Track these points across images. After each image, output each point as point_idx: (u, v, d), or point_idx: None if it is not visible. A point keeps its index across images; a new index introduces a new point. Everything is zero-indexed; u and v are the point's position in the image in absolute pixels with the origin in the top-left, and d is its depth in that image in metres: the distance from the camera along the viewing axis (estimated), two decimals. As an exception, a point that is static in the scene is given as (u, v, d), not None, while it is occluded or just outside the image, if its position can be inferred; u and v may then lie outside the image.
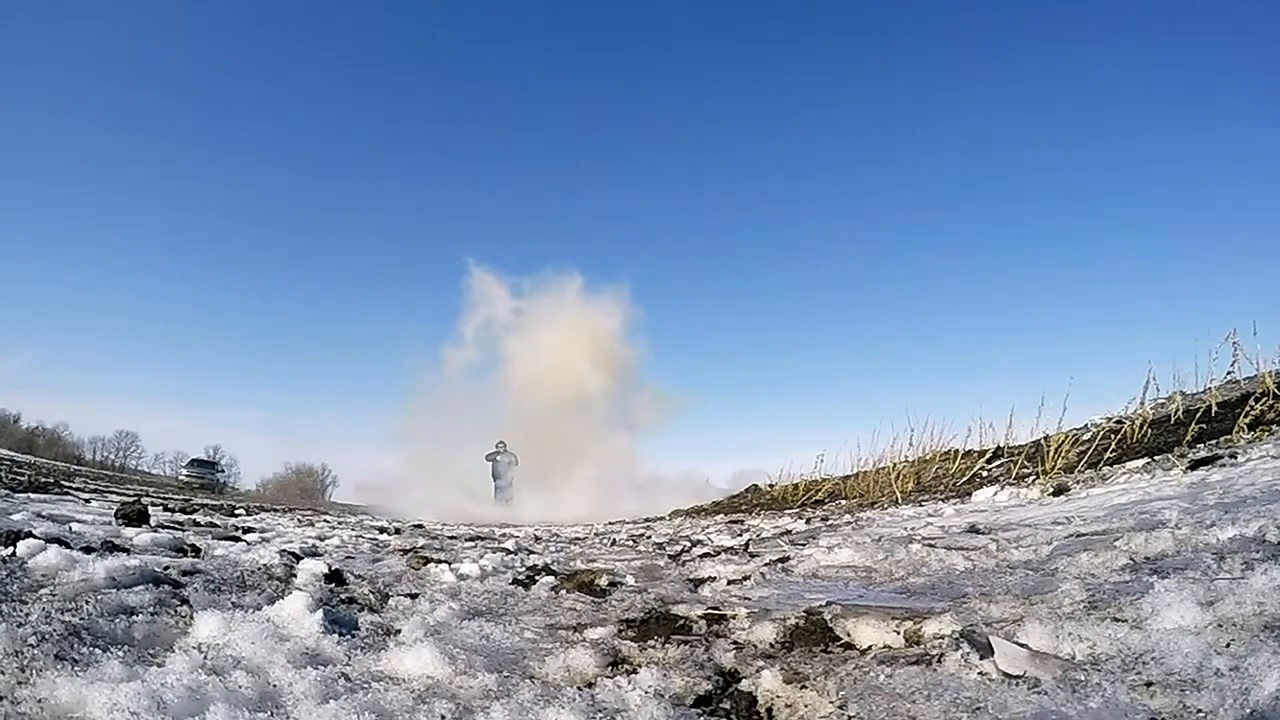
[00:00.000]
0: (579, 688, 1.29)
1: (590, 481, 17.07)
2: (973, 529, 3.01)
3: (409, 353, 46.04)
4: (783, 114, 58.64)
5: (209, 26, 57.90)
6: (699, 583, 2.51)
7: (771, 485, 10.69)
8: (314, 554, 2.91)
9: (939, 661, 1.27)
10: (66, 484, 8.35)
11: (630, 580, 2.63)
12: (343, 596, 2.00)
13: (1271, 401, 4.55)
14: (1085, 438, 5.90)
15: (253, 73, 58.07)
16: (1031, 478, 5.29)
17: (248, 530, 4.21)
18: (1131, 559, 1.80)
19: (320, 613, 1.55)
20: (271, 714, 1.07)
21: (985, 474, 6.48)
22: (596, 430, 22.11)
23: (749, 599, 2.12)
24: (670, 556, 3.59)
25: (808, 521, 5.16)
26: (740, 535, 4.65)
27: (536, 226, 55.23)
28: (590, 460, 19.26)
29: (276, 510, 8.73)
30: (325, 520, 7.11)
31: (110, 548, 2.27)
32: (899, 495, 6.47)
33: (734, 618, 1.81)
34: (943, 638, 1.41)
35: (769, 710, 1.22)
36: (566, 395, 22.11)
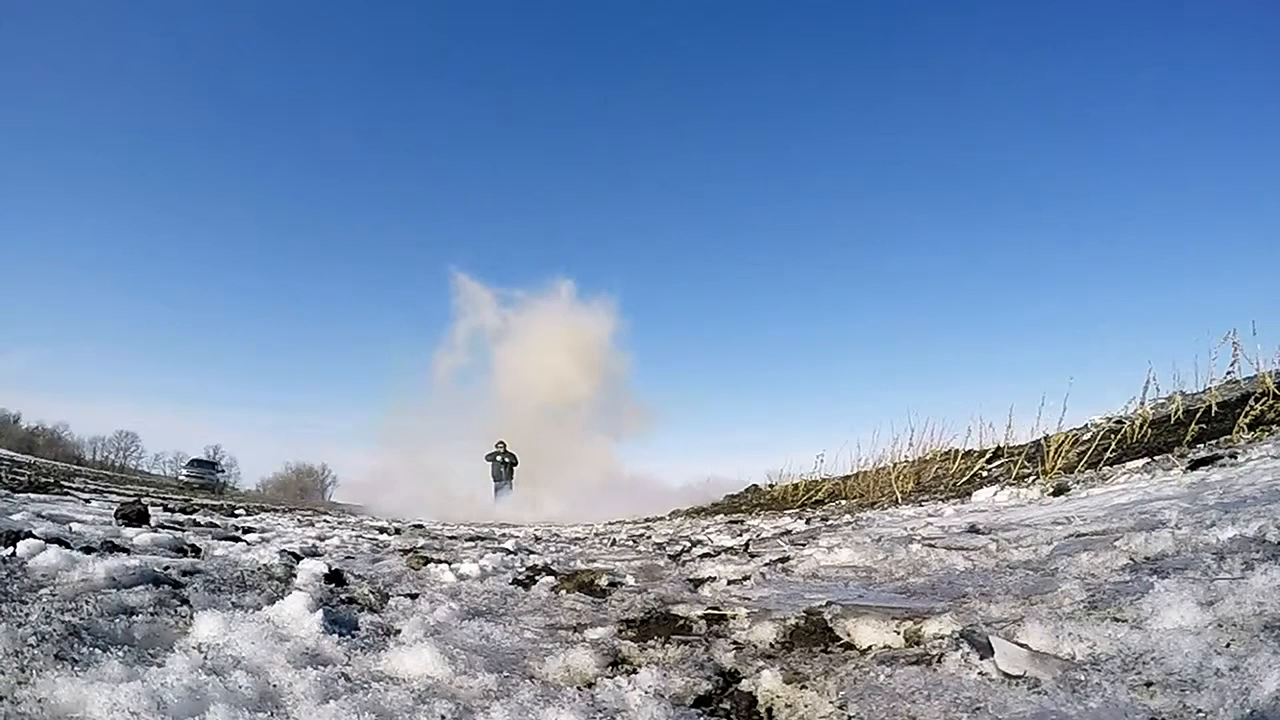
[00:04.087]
0: (579, 688, 1.29)
1: (573, 484, 17.22)
2: (973, 529, 3.01)
3: (405, 354, 46.29)
4: (779, 114, 58.69)
5: (207, 27, 57.93)
6: (699, 583, 2.51)
7: (771, 485, 10.70)
8: (314, 554, 2.91)
9: (939, 661, 1.26)
10: (66, 484, 8.35)
11: (630, 580, 2.63)
12: (343, 596, 2.00)
13: (1271, 401, 4.55)
14: (1085, 438, 5.90)
15: (250, 73, 58.11)
16: (1031, 478, 5.29)
17: (248, 530, 4.21)
18: (1131, 559, 1.80)
19: (320, 613, 1.55)
20: (271, 714, 1.07)
21: (985, 474, 6.48)
22: (582, 435, 22.36)
23: (749, 599, 2.12)
24: (670, 556, 3.59)
25: (808, 521, 5.15)
26: (740, 535, 4.65)
27: (530, 231, 55.50)
28: (574, 463, 19.47)
29: (276, 510, 8.73)
30: (325, 520, 7.11)
31: (110, 548, 2.27)
32: (899, 495, 6.47)
33: (734, 618, 1.81)
34: (943, 638, 1.41)
35: (769, 710, 1.22)
36: (554, 400, 22.35)
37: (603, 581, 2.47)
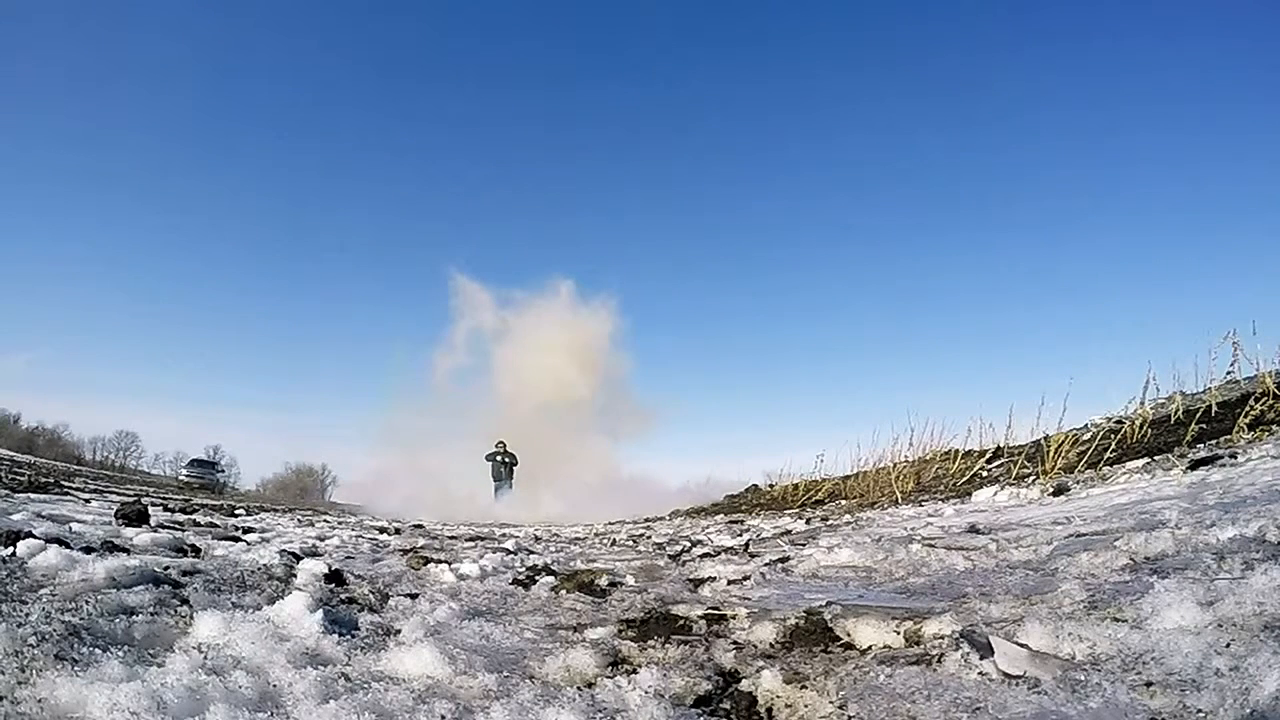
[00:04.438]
0: (579, 688, 1.29)
1: (573, 484, 17.29)
2: (973, 529, 3.01)
3: (405, 354, 46.41)
4: (777, 114, 58.70)
5: (207, 27, 57.95)
6: (699, 583, 2.51)
7: (771, 485, 10.70)
8: (314, 554, 2.91)
9: (939, 661, 1.26)
10: (66, 484, 8.35)
11: (630, 580, 2.63)
12: (343, 596, 2.00)
13: (1271, 401, 4.55)
14: (1085, 438, 5.90)
15: (250, 74, 58.13)
16: (1031, 478, 5.29)
17: (248, 530, 4.20)
18: (1131, 559, 1.80)
19: (320, 613, 1.55)
20: (271, 714, 1.07)
21: (985, 474, 6.48)
22: (581, 435, 22.46)
23: (749, 599, 2.12)
24: (670, 556, 3.59)
25: (808, 521, 5.16)
26: (740, 535, 4.65)
27: (530, 231, 55.61)
28: (574, 463, 19.55)
29: (276, 510, 8.73)
30: (325, 520, 7.11)
31: (110, 548, 2.27)
32: (899, 495, 6.47)
33: (734, 618, 1.81)
34: (943, 638, 1.41)
35: (769, 710, 1.22)
36: (554, 400, 22.45)
37: (603, 581, 2.47)
